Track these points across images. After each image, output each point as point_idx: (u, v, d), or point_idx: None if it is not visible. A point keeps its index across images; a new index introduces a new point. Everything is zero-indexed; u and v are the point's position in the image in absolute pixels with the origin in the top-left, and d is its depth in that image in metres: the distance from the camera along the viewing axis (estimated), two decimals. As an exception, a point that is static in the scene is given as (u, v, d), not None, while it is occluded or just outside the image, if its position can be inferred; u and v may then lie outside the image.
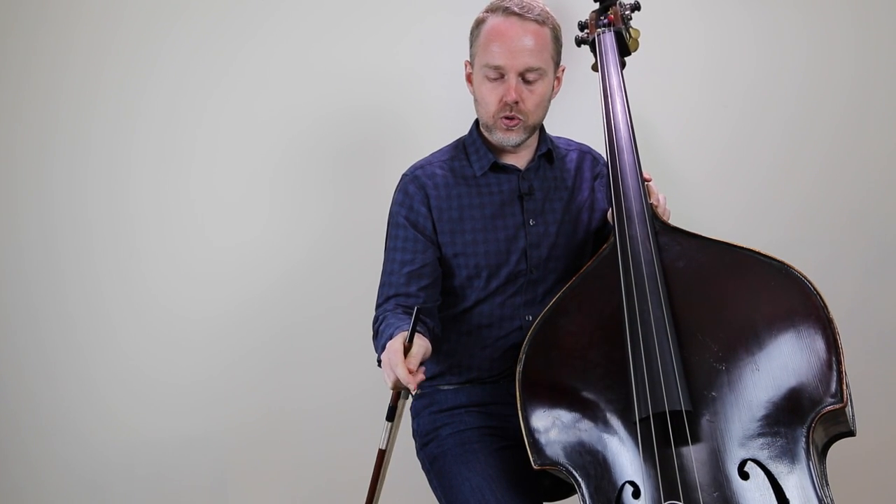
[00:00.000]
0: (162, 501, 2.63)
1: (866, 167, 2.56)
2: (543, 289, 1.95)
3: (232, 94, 2.58)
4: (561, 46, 1.93)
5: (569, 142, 2.09)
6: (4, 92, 2.59)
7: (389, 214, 1.98)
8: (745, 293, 1.72)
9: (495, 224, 1.94)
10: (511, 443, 1.86)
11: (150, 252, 2.61)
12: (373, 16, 2.57)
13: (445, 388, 1.99)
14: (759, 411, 1.60)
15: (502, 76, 1.87)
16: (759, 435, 1.58)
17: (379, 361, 1.75)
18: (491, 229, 1.94)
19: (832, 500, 1.55)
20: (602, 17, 2.08)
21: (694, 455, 1.59)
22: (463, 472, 1.85)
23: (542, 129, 1.99)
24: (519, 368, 1.76)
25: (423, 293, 1.89)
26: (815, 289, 1.67)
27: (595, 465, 1.64)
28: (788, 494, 1.54)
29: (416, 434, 2.02)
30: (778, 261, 1.72)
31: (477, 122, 2.00)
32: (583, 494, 1.63)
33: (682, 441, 1.59)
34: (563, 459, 1.66)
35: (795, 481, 1.54)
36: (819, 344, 1.62)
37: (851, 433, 1.65)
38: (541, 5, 1.90)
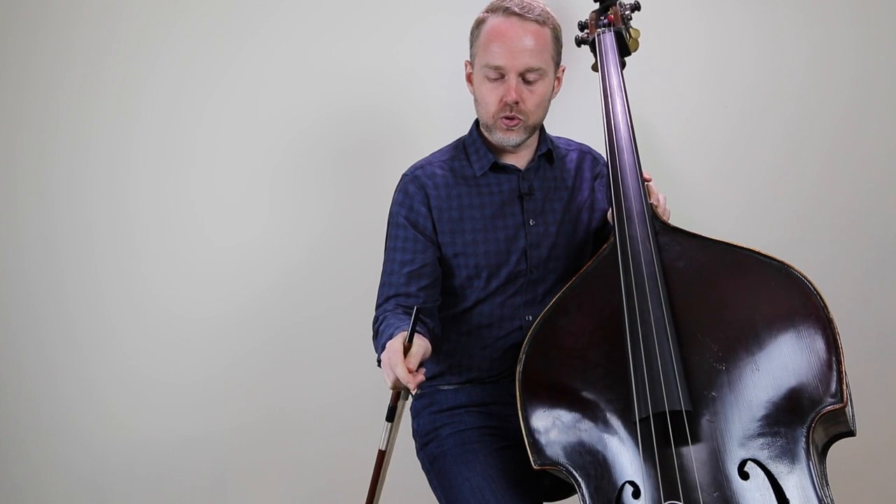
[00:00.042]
0: (162, 501, 2.63)
1: (866, 167, 2.56)
2: (543, 289, 1.95)
3: (232, 94, 2.58)
4: (561, 47, 1.93)
5: (569, 142, 2.09)
6: (4, 92, 2.59)
7: (389, 214, 1.98)
8: (745, 293, 1.72)
9: (495, 224, 1.94)
10: (511, 443, 1.86)
11: (150, 252, 2.61)
12: (373, 16, 2.57)
13: (445, 388, 1.99)
14: (759, 411, 1.60)
15: (502, 76, 1.87)
16: (759, 435, 1.58)
17: (379, 361, 1.75)
18: (491, 229, 1.94)
19: (832, 500, 1.55)
20: (602, 17, 2.08)
21: (694, 455, 1.59)
22: (463, 472, 1.85)
23: (542, 129, 1.99)
24: (519, 368, 1.76)
25: (423, 293, 1.89)
26: (815, 289, 1.67)
27: (595, 465, 1.64)
28: (788, 494, 1.54)
29: (416, 434, 2.02)
30: (778, 261, 1.72)
31: (477, 122, 2.00)
32: (583, 494, 1.63)
33: (682, 441, 1.59)
34: (563, 459, 1.66)
35: (795, 481, 1.54)
36: (819, 344, 1.62)
37: (851, 433, 1.65)
38: (541, 5, 1.90)
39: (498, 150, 1.97)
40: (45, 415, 2.62)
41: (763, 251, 1.74)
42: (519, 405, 1.73)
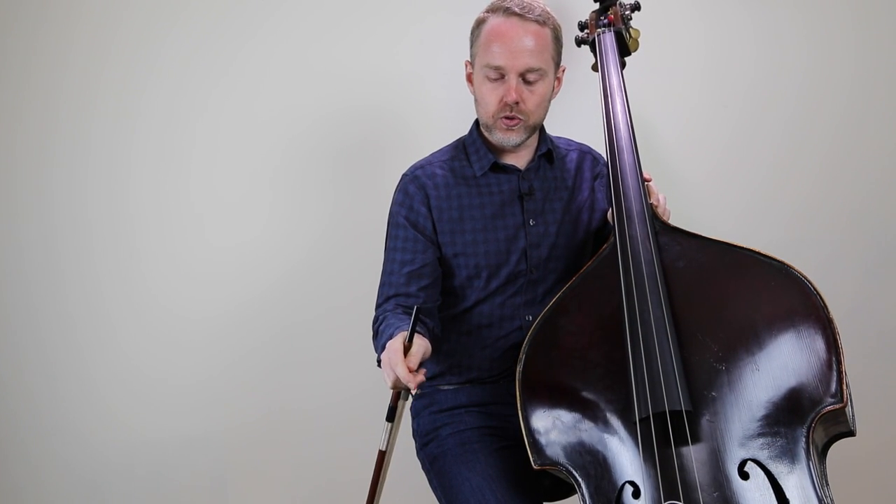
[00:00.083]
0: (162, 501, 2.63)
1: (866, 167, 2.56)
2: (543, 289, 1.95)
3: (232, 94, 2.58)
4: (561, 47, 1.93)
5: (569, 142, 2.09)
6: (4, 92, 2.59)
7: (389, 214, 1.98)
8: (745, 293, 1.72)
9: (495, 224, 1.94)
10: (511, 443, 1.86)
11: (150, 252, 2.61)
12: (373, 16, 2.57)
13: (445, 388, 1.99)
14: (759, 411, 1.60)
15: (503, 76, 1.87)
16: (759, 435, 1.58)
17: (379, 361, 1.75)
18: (491, 229, 1.94)
19: (832, 500, 1.55)
20: (602, 18, 2.08)
21: (694, 455, 1.59)
22: (463, 472, 1.85)
23: (542, 129, 1.99)
24: (519, 368, 1.76)
25: (423, 293, 1.89)
26: (815, 289, 1.67)
27: (595, 465, 1.64)
28: (788, 494, 1.54)
29: (416, 434, 2.02)
30: (778, 261, 1.72)
31: (477, 122, 1.99)
32: (583, 494, 1.63)
33: (682, 441, 1.59)
34: (563, 459, 1.66)
35: (795, 481, 1.54)
36: (819, 344, 1.62)
37: (851, 433, 1.65)
38: (541, 6, 1.90)
39: (498, 150, 1.97)
40: (45, 415, 2.62)
41: (763, 251, 1.73)
42: (519, 405, 1.72)
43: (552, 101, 1.95)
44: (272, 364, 2.61)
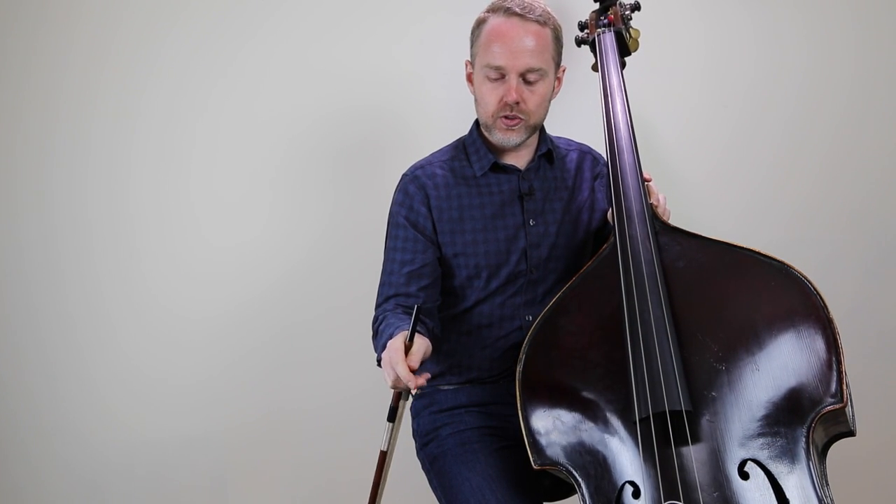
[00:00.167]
0: (162, 501, 2.63)
1: (866, 167, 2.56)
2: (543, 289, 1.95)
3: (232, 94, 2.58)
4: (562, 47, 1.93)
5: (569, 142, 2.09)
6: (4, 92, 2.59)
7: (389, 214, 1.98)
8: (745, 293, 1.72)
9: (495, 224, 1.94)
10: (511, 443, 1.86)
11: (150, 252, 2.61)
12: (373, 16, 2.57)
13: (445, 388, 1.99)
14: (759, 411, 1.60)
15: (503, 76, 1.87)
16: (759, 435, 1.58)
17: (379, 361, 1.75)
18: (491, 229, 1.94)
19: (832, 500, 1.55)
20: (602, 18, 2.08)
21: (694, 455, 1.59)
22: (463, 472, 1.85)
23: (542, 129, 1.99)
24: (519, 368, 1.76)
25: (423, 293, 1.89)
26: (815, 289, 1.67)
27: (595, 465, 1.64)
28: (788, 494, 1.54)
29: (417, 434, 2.02)
30: (778, 261, 1.72)
31: (477, 122, 1.99)
32: (583, 494, 1.63)
33: (682, 441, 1.59)
34: (563, 459, 1.66)
35: (795, 481, 1.54)
36: (819, 344, 1.62)
37: (851, 433, 1.65)
38: (542, 6, 1.90)
39: (498, 150, 1.97)
40: (45, 415, 2.62)
41: (763, 251, 1.73)
42: (519, 405, 1.72)
43: (552, 101, 1.95)
44: (272, 364, 2.61)
